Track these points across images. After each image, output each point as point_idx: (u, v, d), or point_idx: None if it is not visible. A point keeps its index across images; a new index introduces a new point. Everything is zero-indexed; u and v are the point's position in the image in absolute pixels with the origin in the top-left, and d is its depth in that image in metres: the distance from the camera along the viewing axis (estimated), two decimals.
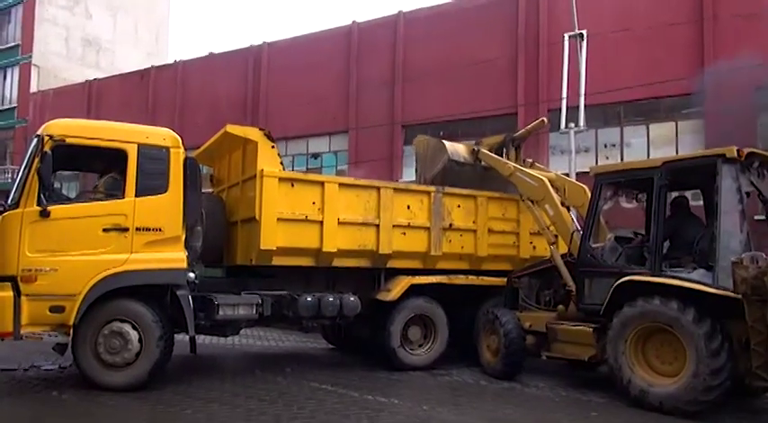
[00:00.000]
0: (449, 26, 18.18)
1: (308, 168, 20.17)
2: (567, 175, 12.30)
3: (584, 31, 12.46)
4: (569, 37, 12.63)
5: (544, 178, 9.17)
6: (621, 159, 15.35)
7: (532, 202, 9.12)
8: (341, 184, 8.72)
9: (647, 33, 14.42)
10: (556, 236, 8.86)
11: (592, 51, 12.84)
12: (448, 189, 9.59)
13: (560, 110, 13.03)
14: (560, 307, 8.49)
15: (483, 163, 10.20)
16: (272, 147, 8.34)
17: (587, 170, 14.17)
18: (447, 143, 10.10)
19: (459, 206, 9.54)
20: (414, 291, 8.99)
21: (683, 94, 13.91)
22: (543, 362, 10.32)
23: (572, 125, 12.82)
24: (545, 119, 10.40)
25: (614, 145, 15.80)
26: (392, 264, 9.05)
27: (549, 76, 15.38)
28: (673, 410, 6.57)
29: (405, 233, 9.02)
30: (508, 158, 10.19)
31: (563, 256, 8.62)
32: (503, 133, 10.72)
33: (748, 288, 6.16)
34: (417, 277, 9.06)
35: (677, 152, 14.51)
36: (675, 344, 6.79)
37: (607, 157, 15.56)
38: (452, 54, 17.60)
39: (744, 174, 6.97)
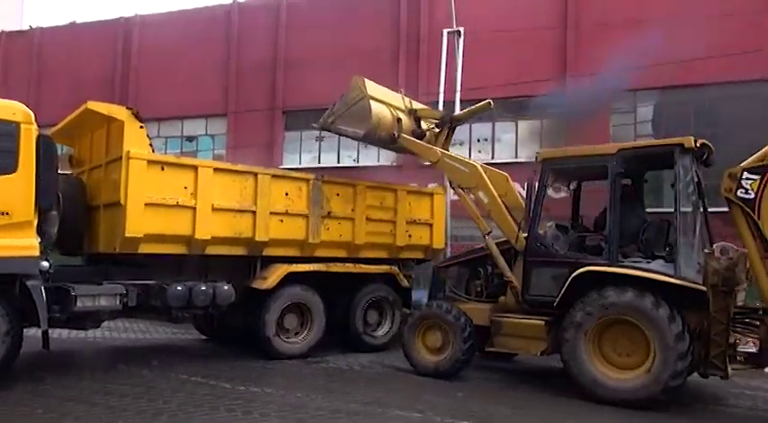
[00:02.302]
0: (332, 14, 18.11)
1: (182, 152, 19.21)
2: None
3: (461, 29, 12.95)
4: (448, 33, 13.08)
5: (477, 164, 8.53)
6: (492, 154, 16.19)
7: (463, 189, 8.45)
8: (216, 169, 8.40)
9: (519, 35, 15.29)
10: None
11: (469, 48, 13.37)
12: (327, 177, 9.60)
13: (438, 103, 13.48)
14: (502, 298, 8.01)
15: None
16: (141, 127, 7.83)
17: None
18: (374, 111, 8.92)
19: (338, 194, 9.57)
20: (291, 279, 8.90)
21: (549, 94, 14.92)
22: None
23: None
24: (491, 101, 9.51)
25: (486, 139, 16.64)
26: (269, 251, 8.89)
27: (428, 69, 15.82)
28: (639, 402, 6.44)
29: (282, 220, 8.89)
30: (437, 140, 9.52)
31: (497, 245, 8.16)
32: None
33: (719, 279, 6.20)
34: (295, 265, 8.98)
35: (540, 147, 15.59)
36: (634, 335, 6.66)
37: (480, 151, 16.33)
38: (335, 42, 17.55)
39: (694, 164, 7.03)
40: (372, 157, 17.21)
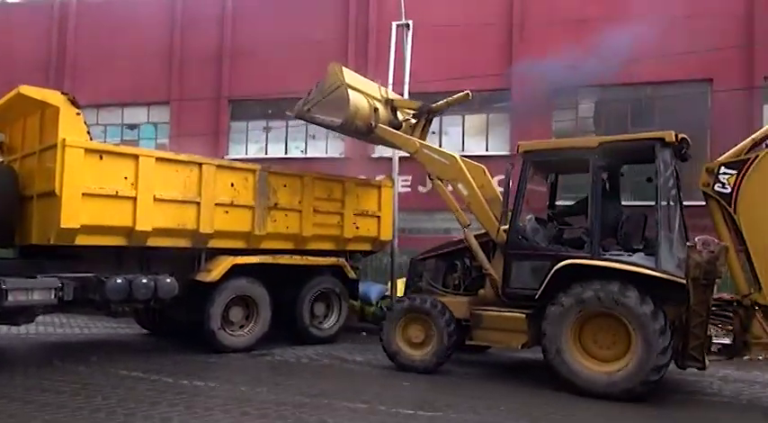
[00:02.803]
0: (280, 3, 17.83)
1: (122, 140, 18.56)
2: (390, 159, 12.83)
3: (410, 22, 13.00)
4: (397, 26, 13.11)
5: (456, 156, 8.33)
6: (440, 146, 16.36)
7: (441, 181, 8.26)
8: (158, 159, 8.16)
9: (467, 30, 15.49)
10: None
11: (418, 41, 13.45)
12: (274, 168, 9.50)
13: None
14: (481, 291, 7.88)
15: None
16: (78, 114, 7.51)
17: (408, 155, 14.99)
18: (352, 100, 8.59)
19: (285, 186, 9.48)
20: (236, 271, 8.78)
21: (495, 89, 15.20)
22: (362, 338, 10.82)
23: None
24: (469, 92, 9.34)
25: (434, 132, 16.74)
26: (214, 243, 8.73)
27: (377, 61, 15.82)
28: (620, 394, 6.45)
29: (228, 212, 8.74)
30: (414, 131, 9.32)
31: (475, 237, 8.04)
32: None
33: (701, 272, 6.14)
34: (240, 257, 8.85)
35: (487, 143, 15.90)
36: (614, 328, 6.66)
37: None
38: (283, 32, 17.29)
39: (674, 158, 7.04)
40: (320, 148, 17.12)
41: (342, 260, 10.31)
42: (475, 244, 7.91)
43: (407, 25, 12.95)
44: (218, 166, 8.77)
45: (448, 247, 8.69)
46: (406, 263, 14.59)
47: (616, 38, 14.00)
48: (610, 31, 14.07)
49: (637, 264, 6.69)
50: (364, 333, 11.27)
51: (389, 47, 13.10)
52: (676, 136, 6.89)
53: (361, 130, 9.00)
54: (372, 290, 12.31)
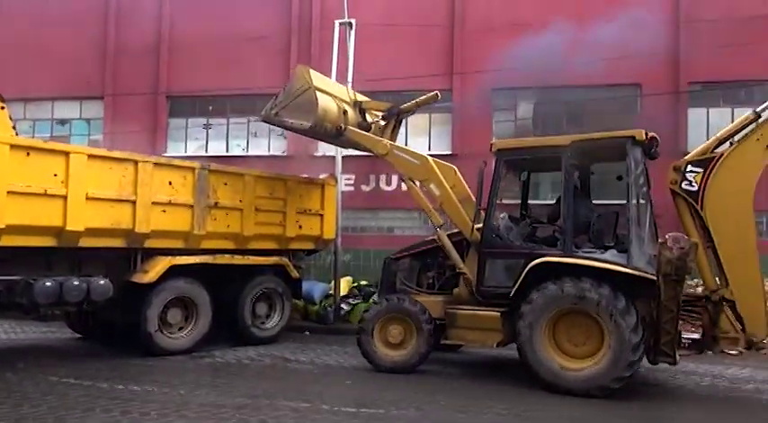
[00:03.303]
0: None
1: (52, 136, 17.69)
2: (334, 157, 12.81)
3: (353, 20, 13.01)
4: (340, 24, 13.08)
5: (427, 156, 8.32)
6: None
7: (413, 181, 8.23)
8: (91, 156, 7.85)
9: (409, 30, 15.62)
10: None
11: (361, 40, 13.46)
12: (214, 166, 9.32)
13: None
14: (456, 290, 7.87)
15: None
16: (2, 108, 7.16)
17: (358, 153, 14.97)
18: (320, 103, 8.54)
19: (225, 184, 9.32)
20: (174, 272, 8.56)
21: (438, 89, 15.38)
22: (306, 337, 10.78)
23: None
24: (438, 93, 9.39)
25: None
26: (150, 243, 8.48)
27: (320, 59, 15.69)
28: (593, 391, 6.55)
29: (165, 211, 8.51)
30: (383, 132, 9.24)
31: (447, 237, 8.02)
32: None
33: (672, 268, 6.23)
34: (179, 257, 8.64)
35: (429, 142, 16.09)
36: (588, 325, 6.73)
37: None
38: (224, 27, 16.91)
39: (644, 156, 7.15)
40: (262, 146, 16.88)
41: (284, 259, 10.22)
42: (448, 243, 7.88)
43: (350, 24, 12.94)
44: (156, 164, 8.52)
45: (422, 246, 8.66)
46: (350, 261, 14.82)
47: (551, 42, 14.48)
48: (545, 34, 14.53)
49: (609, 261, 6.76)
50: (308, 332, 11.23)
51: (332, 45, 13.06)
52: (646, 134, 7.00)
53: (330, 133, 8.91)
54: (316, 289, 12.28)
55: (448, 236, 7.97)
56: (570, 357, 6.82)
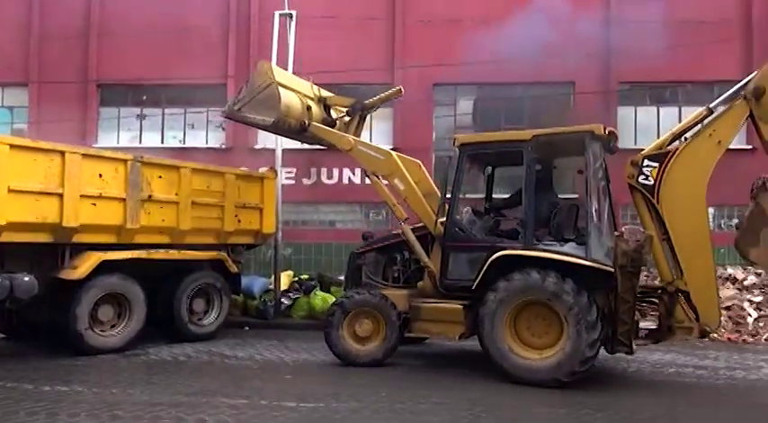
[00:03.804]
0: None
1: None
2: (274, 151, 12.64)
3: (293, 12, 12.83)
4: (280, 15, 12.88)
5: (391, 151, 8.38)
6: None
7: (378, 177, 8.23)
8: (13, 146, 7.43)
9: (350, 23, 15.55)
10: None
11: (302, 32, 13.30)
12: (147, 158, 9.01)
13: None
14: (420, 284, 7.93)
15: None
16: None
17: (298, 147, 14.82)
18: (283, 98, 8.41)
19: (160, 177, 9.05)
20: (106, 267, 8.25)
21: (379, 83, 15.41)
22: (245, 333, 10.63)
23: None
24: (401, 88, 9.40)
25: None
26: (80, 238, 8.14)
27: (260, 50, 15.42)
28: (549, 383, 6.66)
29: (95, 204, 8.18)
30: (348, 128, 9.16)
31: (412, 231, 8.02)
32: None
33: (628, 261, 6.37)
34: (110, 252, 8.34)
35: (371, 136, 16.11)
36: (548, 317, 6.85)
37: None
38: (160, 14, 16.30)
39: (604, 151, 7.26)
40: (200, 138, 16.45)
41: (222, 254, 10.03)
42: (412, 237, 7.90)
43: (290, 15, 12.77)
44: (85, 155, 8.17)
45: (387, 240, 8.70)
46: (291, 255, 14.68)
47: (490, 38, 14.77)
48: (484, 31, 14.81)
49: (568, 253, 6.88)
50: (247, 328, 11.07)
51: (272, 36, 12.85)
52: (605, 129, 7.14)
53: (294, 129, 8.81)
54: (255, 283, 12.11)
55: (413, 230, 8.02)
56: (531, 348, 6.95)
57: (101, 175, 8.28)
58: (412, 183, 8.10)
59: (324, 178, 15.52)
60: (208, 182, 9.75)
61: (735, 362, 8.56)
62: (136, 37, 16.04)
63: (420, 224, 8.09)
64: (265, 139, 15.31)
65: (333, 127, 9.03)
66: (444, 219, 7.71)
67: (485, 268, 7.09)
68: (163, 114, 16.60)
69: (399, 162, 8.19)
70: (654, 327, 7.23)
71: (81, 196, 7.99)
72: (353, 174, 15.42)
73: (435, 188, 8.41)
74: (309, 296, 11.96)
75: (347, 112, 9.27)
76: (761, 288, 11.43)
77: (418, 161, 8.86)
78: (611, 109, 14.85)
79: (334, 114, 9.36)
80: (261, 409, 5.76)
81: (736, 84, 7.07)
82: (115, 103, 16.79)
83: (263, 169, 11.54)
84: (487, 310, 6.99)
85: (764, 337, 10.40)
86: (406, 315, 7.75)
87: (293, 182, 15.23)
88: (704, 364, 8.40)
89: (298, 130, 8.82)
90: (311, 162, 15.36)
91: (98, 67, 16.60)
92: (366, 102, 9.25)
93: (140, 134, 16.77)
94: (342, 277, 12.65)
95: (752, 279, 11.45)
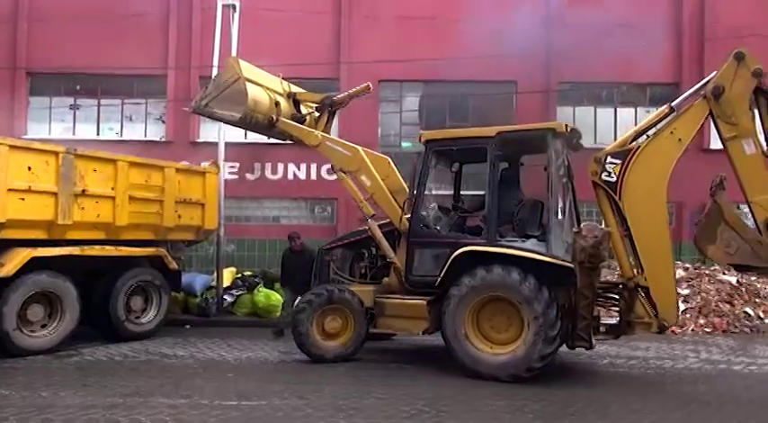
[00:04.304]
0: None
1: None
2: (216, 144, 12.37)
3: (237, 3, 12.57)
4: (223, 5, 12.59)
5: (358, 148, 8.31)
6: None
7: (345, 173, 8.25)
8: None
9: (296, 16, 15.36)
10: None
11: (246, 24, 13.05)
12: (81, 151, 8.65)
13: (211, 78, 12.97)
14: (386, 279, 7.97)
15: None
16: None
17: (241, 140, 14.55)
18: (250, 94, 8.29)
19: (95, 170, 8.71)
20: (35, 264, 7.87)
21: (325, 78, 15.32)
22: (186, 331, 10.38)
23: None
24: (370, 84, 9.30)
25: None
26: (7, 234, 7.73)
27: (202, 41, 15.01)
28: (508, 378, 6.71)
29: (24, 199, 7.80)
30: (317, 124, 9.10)
31: (380, 227, 8.05)
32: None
33: (586, 256, 6.40)
34: (40, 249, 7.96)
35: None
36: (509, 312, 6.89)
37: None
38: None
39: (566, 148, 7.30)
40: (138, 130, 15.90)
41: (162, 250, 9.75)
42: (378, 233, 7.91)
43: (234, 6, 12.51)
44: (12, 147, 7.75)
45: (355, 236, 8.65)
46: (234, 252, 14.42)
47: (436, 36, 14.94)
48: (431, 29, 14.98)
49: (529, 249, 6.95)
50: (188, 326, 10.81)
51: (215, 27, 12.55)
52: (566, 126, 7.23)
53: (262, 125, 8.72)
54: (197, 280, 11.85)
55: (380, 226, 8.02)
56: (493, 343, 7.01)
57: (30, 168, 7.89)
58: (378, 179, 8.12)
59: (268, 173, 15.32)
60: (146, 176, 9.45)
61: (664, 352, 8.99)
62: (69, 22, 15.31)
63: (387, 220, 8.11)
64: (207, 133, 14.97)
65: (302, 122, 8.97)
66: (410, 215, 7.75)
67: (448, 264, 7.14)
68: (99, 105, 15.96)
69: (366, 158, 8.20)
70: (614, 322, 7.32)
71: (8, 190, 7.59)
72: (298, 169, 15.31)
73: (404, 184, 8.46)
74: (253, 293, 11.80)
75: (316, 107, 9.26)
76: (687, 281, 12.02)
77: (387, 158, 8.93)
78: (552, 108, 15.29)
79: (304, 110, 9.32)
80: (201, 409, 5.63)
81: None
82: (46, 92, 16.02)
83: (205, 163, 11.28)
84: (449, 306, 7.04)
85: (690, 328, 10.97)
86: (371, 310, 7.78)
87: (236, 177, 14.99)
88: (636, 354, 8.78)
89: (266, 126, 8.76)
90: (255, 157, 15.13)
91: (28, 53, 15.77)
92: (335, 97, 9.25)
93: (74, 125, 16.06)
94: None
95: (680, 273, 12.00)
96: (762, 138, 6.59)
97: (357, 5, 15.67)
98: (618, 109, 15.52)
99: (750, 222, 6.71)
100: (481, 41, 14.14)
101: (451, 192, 8.90)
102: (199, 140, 15.12)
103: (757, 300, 11.79)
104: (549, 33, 15.12)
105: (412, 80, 15.66)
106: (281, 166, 15.28)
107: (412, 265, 7.58)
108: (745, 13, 14.63)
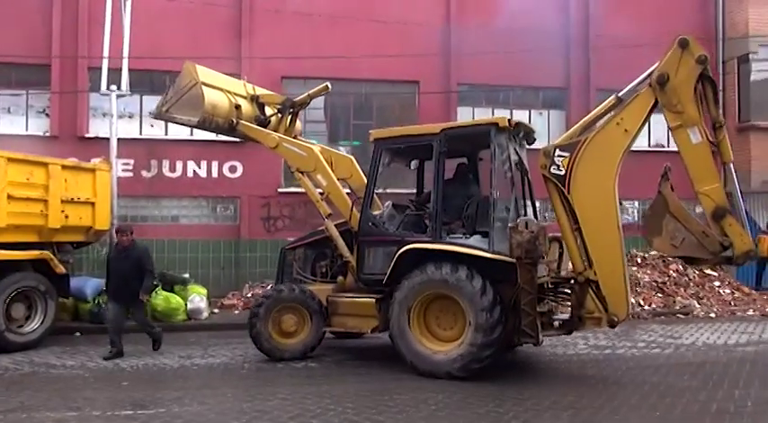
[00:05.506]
0: None
1: None
2: (108, 140, 11.69)
3: None
4: None
5: (314, 148, 8.47)
6: (166, 129, 15.41)
7: (302, 173, 8.31)
8: None
9: (193, 8, 14.79)
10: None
11: (138, 14, 12.40)
12: None
13: (101, 69, 12.21)
14: (340, 278, 7.99)
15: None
16: None
17: (136, 136, 13.82)
18: (207, 98, 8.34)
19: None
20: None
21: (226, 73, 14.85)
22: (76, 339, 9.74)
23: (114, 87, 12.16)
24: (329, 84, 9.38)
25: None
26: None
27: (90, 30, 14.07)
28: (457, 373, 6.69)
29: None
30: (280, 125, 9.06)
31: (337, 225, 8.06)
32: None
33: (523, 252, 6.40)
34: None
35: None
36: (454, 309, 6.90)
37: (152, 125, 15.35)
38: None
39: (512, 142, 7.23)
40: (19, 124, 14.63)
41: (47, 253, 9.09)
42: (335, 233, 7.97)
43: None
44: None
45: (316, 235, 8.66)
46: None
47: (340, 34, 14.95)
48: (334, 26, 14.96)
49: (470, 246, 6.94)
50: (78, 333, 10.15)
51: (104, 16, 11.84)
52: (509, 121, 7.22)
53: (223, 127, 8.85)
54: (88, 285, 11.11)
55: (338, 226, 8.07)
56: (439, 341, 7.04)
57: None
58: (333, 178, 8.26)
59: (166, 171, 14.62)
60: (28, 173, 8.80)
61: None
62: None
63: (344, 220, 8.15)
64: (98, 128, 14.10)
65: (266, 125, 9.06)
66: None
67: (393, 262, 7.17)
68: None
69: (322, 158, 8.37)
70: (566, 317, 7.32)
71: None
72: (199, 167, 14.76)
73: None
74: (150, 296, 11.24)
75: (278, 109, 9.26)
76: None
77: (350, 157, 9.09)
78: (452, 109, 15.74)
79: (269, 111, 9.36)
80: (92, 421, 5.32)
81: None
82: None
83: (95, 160, 10.63)
84: (394, 304, 7.09)
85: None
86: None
87: (131, 174, 14.18)
88: (592, 343, 9.16)
89: (227, 129, 8.89)
90: (151, 153, 14.42)
91: None
92: (295, 99, 9.30)
93: None
94: (187, 275, 12.28)
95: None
96: (708, 127, 6.51)
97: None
98: (513, 111, 16.23)
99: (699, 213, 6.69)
100: (383, 40, 14.32)
101: (410, 190, 9.06)
102: (88, 135, 14.18)
103: (638, 289, 12.85)
104: (449, 35, 15.56)
105: (316, 78, 15.50)
106: (179, 164, 14.64)
107: (363, 263, 7.68)
108: (628, 25, 15.76)
